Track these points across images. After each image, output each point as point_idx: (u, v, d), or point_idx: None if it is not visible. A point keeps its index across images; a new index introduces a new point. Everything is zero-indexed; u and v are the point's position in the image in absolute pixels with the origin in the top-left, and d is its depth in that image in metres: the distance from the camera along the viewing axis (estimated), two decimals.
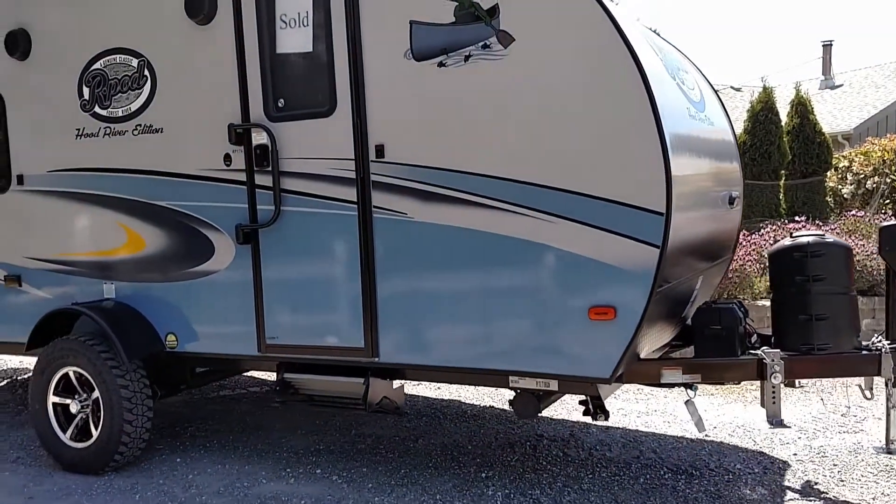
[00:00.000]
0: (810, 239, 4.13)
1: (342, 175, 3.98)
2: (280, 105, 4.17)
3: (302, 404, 4.46)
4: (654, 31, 4.86)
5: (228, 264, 4.36)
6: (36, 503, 4.37)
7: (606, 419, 4.07)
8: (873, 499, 4.00)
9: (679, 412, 5.42)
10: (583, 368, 3.60)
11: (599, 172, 3.46)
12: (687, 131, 3.93)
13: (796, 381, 4.36)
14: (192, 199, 4.43)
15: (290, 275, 4.21)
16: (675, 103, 3.84)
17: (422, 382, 6.05)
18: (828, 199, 12.33)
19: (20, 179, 5.08)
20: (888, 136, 12.42)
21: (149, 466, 4.76)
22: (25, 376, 7.41)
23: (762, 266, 7.55)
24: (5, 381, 7.39)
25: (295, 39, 4.10)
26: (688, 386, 4.03)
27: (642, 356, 3.85)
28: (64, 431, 4.73)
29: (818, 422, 5.21)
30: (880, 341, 3.99)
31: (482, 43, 3.63)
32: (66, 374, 4.70)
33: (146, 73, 4.54)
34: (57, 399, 4.74)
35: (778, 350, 3.94)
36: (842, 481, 4.23)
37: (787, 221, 8.98)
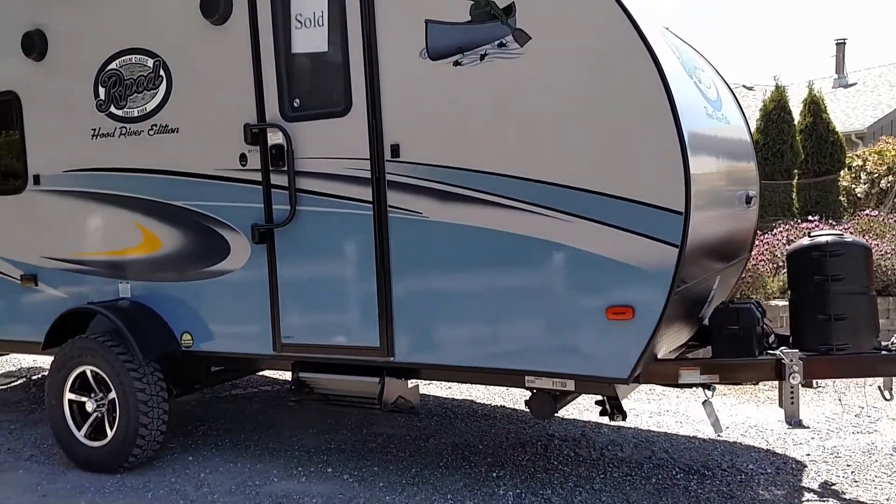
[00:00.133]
0: (829, 238, 4.10)
1: (357, 175, 3.98)
2: (295, 105, 4.17)
3: (314, 403, 4.47)
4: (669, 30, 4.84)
5: (244, 264, 4.37)
6: (49, 501, 4.39)
7: (624, 419, 4.06)
8: (887, 500, 3.98)
9: (691, 412, 5.40)
10: (600, 368, 3.58)
11: (617, 171, 3.44)
12: (705, 130, 3.92)
13: (814, 382, 4.33)
14: (208, 198, 4.44)
15: (305, 274, 4.21)
16: (693, 102, 3.83)
17: (433, 382, 6.04)
18: (841, 198, 12.26)
19: (36, 179, 5.10)
20: None
21: (161, 465, 4.77)
22: (39, 376, 7.45)
23: (775, 266, 7.51)
24: (19, 381, 7.42)
25: (310, 39, 4.10)
26: (705, 386, 4.02)
27: (660, 356, 3.83)
28: (79, 429, 4.75)
29: (831, 422, 5.17)
30: None
31: (498, 42, 3.61)
32: (83, 373, 4.72)
33: (162, 73, 4.55)
34: (73, 396, 4.76)
35: (796, 350, 3.91)
36: (855, 482, 4.20)
37: (800, 221, 8.93)
